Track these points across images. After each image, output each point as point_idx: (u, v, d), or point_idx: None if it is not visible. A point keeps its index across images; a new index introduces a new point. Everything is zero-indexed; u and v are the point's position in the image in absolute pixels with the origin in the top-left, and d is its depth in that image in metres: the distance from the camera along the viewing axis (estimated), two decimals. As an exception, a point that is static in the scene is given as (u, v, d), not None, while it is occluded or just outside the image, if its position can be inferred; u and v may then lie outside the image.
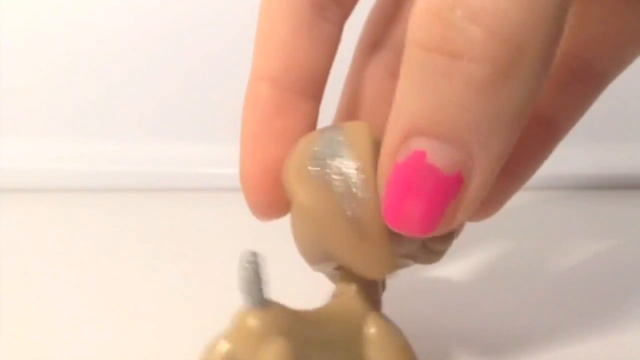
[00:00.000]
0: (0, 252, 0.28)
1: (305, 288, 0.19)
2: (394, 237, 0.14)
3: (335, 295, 0.16)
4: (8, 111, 0.40)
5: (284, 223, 0.17)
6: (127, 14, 0.40)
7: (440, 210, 0.12)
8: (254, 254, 0.13)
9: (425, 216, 0.12)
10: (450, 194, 0.12)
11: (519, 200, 0.37)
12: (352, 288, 0.16)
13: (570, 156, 0.39)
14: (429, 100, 0.11)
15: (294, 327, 0.14)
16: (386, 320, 0.16)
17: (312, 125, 0.17)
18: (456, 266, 0.26)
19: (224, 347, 0.14)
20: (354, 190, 0.13)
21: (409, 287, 0.22)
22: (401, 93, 0.12)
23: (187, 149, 0.40)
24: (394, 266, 0.15)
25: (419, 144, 0.12)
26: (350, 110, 0.18)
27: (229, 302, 0.22)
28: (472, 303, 0.23)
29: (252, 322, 0.14)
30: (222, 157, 0.40)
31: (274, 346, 0.13)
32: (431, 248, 0.15)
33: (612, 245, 0.30)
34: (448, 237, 0.15)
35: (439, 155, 0.12)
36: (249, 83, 0.17)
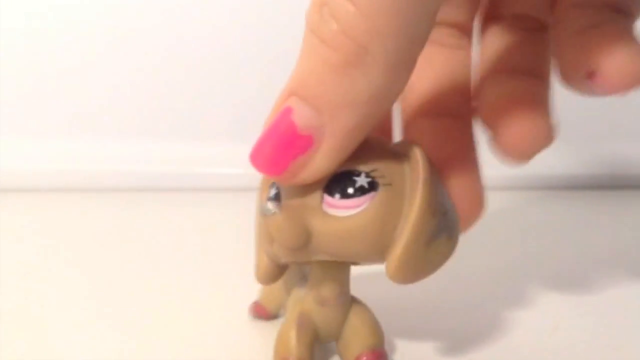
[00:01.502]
0: (0, 252, 0.28)
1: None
2: None
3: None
4: (8, 111, 0.40)
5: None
6: (127, 14, 0.40)
7: (286, 159, 0.14)
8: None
9: (273, 160, 0.15)
10: (298, 149, 0.14)
11: (519, 200, 0.38)
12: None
13: (570, 156, 0.39)
14: (304, 68, 0.14)
15: None
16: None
17: None
18: (456, 266, 0.26)
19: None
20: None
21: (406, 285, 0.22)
22: (298, 59, 0.15)
23: (187, 149, 0.40)
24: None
25: (291, 102, 0.14)
26: None
27: (229, 301, 0.23)
28: (472, 303, 0.23)
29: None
30: (222, 157, 0.40)
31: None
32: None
33: (612, 245, 0.30)
34: None
35: (299, 115, 0.14)
36: None
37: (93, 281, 0.25)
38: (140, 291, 0.24)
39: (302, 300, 0.17)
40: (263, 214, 0.15)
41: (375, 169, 0.15)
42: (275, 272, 0.17)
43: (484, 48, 0.20)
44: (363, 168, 0.15)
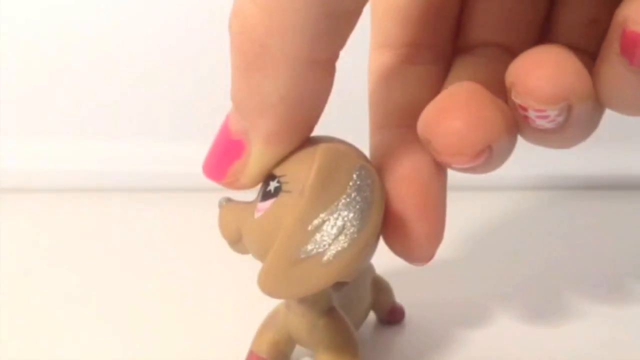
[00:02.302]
0: (0, 252, 0.28)
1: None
2: None
3: None
4: (8, 111, 0.40)
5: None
6: (127, 15, 0.40)
7: (225, 165, 0.15)
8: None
9: (214, 166, 0.15)
10: (233, 154, 0.15)
11: (520, 200, 0.38)
12: None
13: (570, 156, 0.39)
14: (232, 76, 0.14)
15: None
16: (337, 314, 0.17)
17: None
18: (455, 266, 0.26)
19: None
20: None
21: (406, 286, 0.22)
22: None
23: (187, 149, 0.40)
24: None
25: (230, 110, 0.15)
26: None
27: (229, 301, 0.23)
28: (472, 303, 0.23)
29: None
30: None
31: None
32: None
33: (612, 245, 0.30)
34: None
35: (232, 121, 0.15)
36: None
37: (93, 281, 0.25)
38: (140, 291, 0.24)
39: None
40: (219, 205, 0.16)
41: (285, 174, 0.14)
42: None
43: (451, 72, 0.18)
44: (277, 172, 0.15)
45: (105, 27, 0.40)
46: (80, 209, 0.36)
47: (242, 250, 0.16)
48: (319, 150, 0.14)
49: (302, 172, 0.14)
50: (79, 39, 0.40)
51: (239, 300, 0.22)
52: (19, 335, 0.20)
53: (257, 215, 0.15)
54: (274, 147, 0.14)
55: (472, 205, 0.34)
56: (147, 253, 0.28)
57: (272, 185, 0.15)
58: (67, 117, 0.41)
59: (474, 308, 0.22)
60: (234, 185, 0.15)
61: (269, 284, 0.13)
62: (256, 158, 0.15)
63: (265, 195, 0.15)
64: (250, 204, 0.15)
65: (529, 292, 0.24)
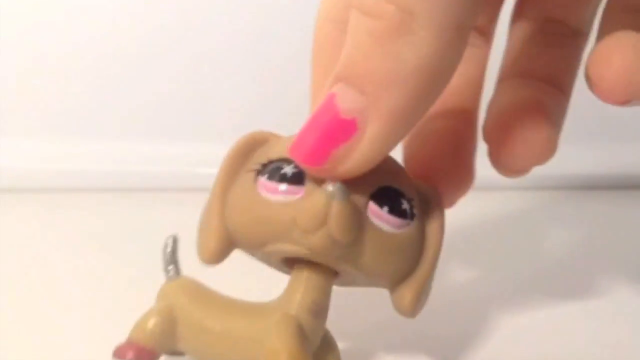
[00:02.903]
0: (0, 252, 0.28)
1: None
2: None
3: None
4: (8, 111, 0.40)
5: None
6: (127, 15, 0.40)
7: (328, 147, 0.13)
8: (174, 237, 0.17)
9: (313, 149, 0.13)
10: (340, 136, 0.13)
11: (519, 200, 0.38)
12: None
13: (570, 156, 0.39)
14: (348, 49, 0.13)
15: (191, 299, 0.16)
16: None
17: None
18: (455, 266, 0.26)
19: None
20: None
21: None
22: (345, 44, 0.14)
23: (187, 149, 0.40)
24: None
25: (335, 87, 0.13)
26: None
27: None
28: (471, 302, 0.23)
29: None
30: (222, 157, 0.40)
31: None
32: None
33: (611, 245, 0.30)
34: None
35: (342, 99, 0.13)
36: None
37: (93, 281, 0.25)
38: (140, 291, 0.24)
39: (286, 312, 0.15)
40: (324, 195, 0.13)
41: (413, 199, 0.15)
42: (225, 251, 0.16)
43: (508, 48, 0.19)
44: (406, 193, 0.15)
45: (106, 27, 0.40)
46: (80, 209, 0.36)
47: (341, 257, 0.14)
48: (433, 189, 0.16)
49: (418, 202, 0.15)
50: (79, 38, 0.40)
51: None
52: (19, 335, 0.20)
53: (385, 226, 0.14)
54: (395, 126, 0.13)
55: (472, 205, 0.34)
56: (147, 253, 0.28)
57: (405, 204, 0.15)
58: (67, 117, 0.41)
59: (473, 308, 0.22)
60: (331, 172, 0.13)
61: (417, 306, 0.16)
62: (372, 140, 0.13)
63: (405, 213, 0.15)
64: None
65: (528, 292, 0.24)
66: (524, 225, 0.33)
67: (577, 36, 0.18)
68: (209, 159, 0.41)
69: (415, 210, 0.15)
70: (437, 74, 0.13)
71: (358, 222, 0.14)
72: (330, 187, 0.13)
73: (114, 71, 0.41)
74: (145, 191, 0.38)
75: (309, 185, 0.14)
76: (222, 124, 0.40)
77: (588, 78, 0.14)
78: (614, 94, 0.13)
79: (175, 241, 0.17)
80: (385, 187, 0.14)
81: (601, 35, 0.15)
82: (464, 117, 0.19)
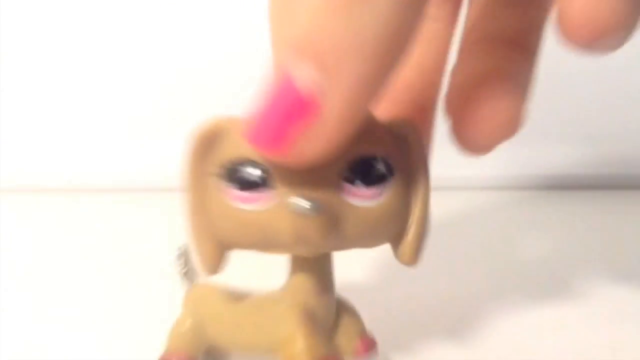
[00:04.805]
0: (0, 252, 0.28)
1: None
2: None
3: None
4: (8, 111, 0.40)
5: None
6: (127, 15, 0.40)
7: (290, 131, 0.12)
8: (185, 246, 0.18)
9: (274, 134, 0.12)
10: (301, 118, 0.12)
11: (519, 200, 0.38)
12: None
13: (566, 156, 0.39)
14: (302, 16, 0.12)
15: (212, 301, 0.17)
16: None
17: None
18: (454, 266, 0.26)
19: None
20: None
21: (403, 285, 0.22)
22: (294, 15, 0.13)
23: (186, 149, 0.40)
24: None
25: (291, 63, 0.12)
26: None
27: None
28: (471, 302, 0.23)
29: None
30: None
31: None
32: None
33: (611, 245, 0.30)
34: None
35: (298, 75, 0.12)
36: None
37: (93, 281, 0.25)
38: (140, 291, 0.24)
39: (293, 297, 0.16)
40: (297, 211, 0.13)
41: (388, 154, 0.14)
42: (223, 258, 0.16)
43: (469, 11, 0.18)
44: (378, 152, 0.14)
45: (106, 27, 0.40)
46: (80, 209, 0.36)
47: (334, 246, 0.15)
48: (407, 123, 0.15)
49: (397, 147, 0.15)
50: (79, 38, 0.40)
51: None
52: (19, 335, 0.20)
53: (363, 202, 0.14)
54: (359, 99, 0.12)
55: (471, 205, 0.34)
56: (147, 253, 0.28)
57: (381, 166, 0.14)
58: (67, 117, 0.41)
59: (471, 308, 0.22)
60: (296, 158, 0.12)
61: (417, 255, 0.15)
62: (337, 117, 0.12)
63: (380, 178, 0.14)
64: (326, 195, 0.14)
65: (527, 292, 0.24)
66: (522, 225, 0.33)
67: None
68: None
69: (393, 162, 0.14)
70: (397, 40, 0.12)
71: (335, 220, 0.13)
72: (302, 204, 0.13)
73: (114, 71, 0.41)
74: (145, 191, 0.38)
75: (279, 188, 0.14)
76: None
77: (554, 21, 0.13)
78: (581, 30, 0.12)
79: (186, 250, 0.18)
80: (355, 160, 0.14)
81: None
82: (425, 94, 0.18)
